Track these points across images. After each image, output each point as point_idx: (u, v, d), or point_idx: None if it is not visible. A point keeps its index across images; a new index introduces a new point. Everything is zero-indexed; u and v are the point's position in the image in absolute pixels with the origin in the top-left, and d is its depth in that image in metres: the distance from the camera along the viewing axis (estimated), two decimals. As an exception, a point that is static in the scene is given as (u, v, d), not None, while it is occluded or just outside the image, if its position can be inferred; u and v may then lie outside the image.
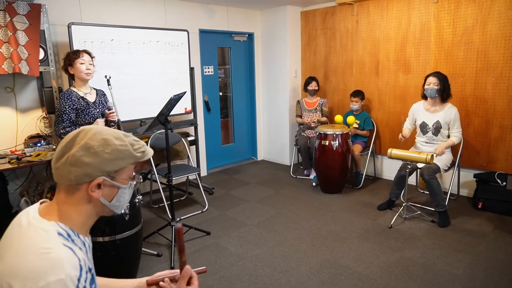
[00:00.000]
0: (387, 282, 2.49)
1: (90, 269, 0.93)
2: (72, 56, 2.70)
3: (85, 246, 0.99)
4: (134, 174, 1.06)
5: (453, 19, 3.82)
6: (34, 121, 3.42)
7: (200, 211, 3.79)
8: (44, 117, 3.43)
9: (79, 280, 0.86)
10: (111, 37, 3.55)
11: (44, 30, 3.20)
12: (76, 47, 3.26)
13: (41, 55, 3.19)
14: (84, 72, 2.71)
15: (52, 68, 3.28)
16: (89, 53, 2.78)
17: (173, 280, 1.16)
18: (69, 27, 3.26)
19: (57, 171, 0.95)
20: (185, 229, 3.22)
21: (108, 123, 2.90)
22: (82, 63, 2.70)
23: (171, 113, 3.05)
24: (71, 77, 2.79)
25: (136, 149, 1.01)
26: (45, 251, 0.85)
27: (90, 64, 2.75)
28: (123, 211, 2.36)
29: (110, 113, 2.87)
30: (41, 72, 3.27)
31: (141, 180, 1.08)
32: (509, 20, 3.47)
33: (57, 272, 0.82)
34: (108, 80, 3.01)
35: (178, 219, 3.19)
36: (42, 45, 3.20)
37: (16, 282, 0.81)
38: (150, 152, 1.06)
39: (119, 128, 2.82)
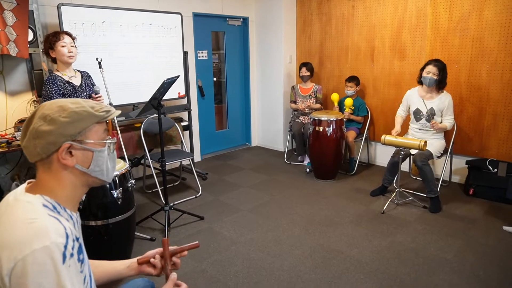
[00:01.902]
0: (378, 266, 2.52)
1: (77, 238, 0.94)
2: (52, 38, 2.59)
3: (72, 219, 0.99)
4: (108, 138, 1.04)
5: (450, 5, 3.79)
6: (24, 105, 3.36)
7: (194, 196, 3.79)
8: (34, 100, 3.36)
9: (65, 247, 0.87)
10: (102, 19, 3.47)
11: (32, 11, 3.11)
12: (66, 28, 3.18)
13: (30, 36, 3.11)
14: (67, 56, 2.61)
15: (42, 50, 3.20)
16: (69, 34, 2.68)
17: (163, 256, 1.19)
18: (58, 7, 3.17)
19: (26, 149, 0.95)
20: (178, 214, 3.22)
21: None
22: (63, 46, 2.60)
23: (164, 98, 3.00)
24: (53, 61, 2.70)
25: (98, 110, 1.00)
26: (30, 221, 0.86)
27: (72, 46, 2.65)
28: (115, 195, 2.35)
29: (96, 97, 2.76)
30: (30, 54, 3.19)
31: (115, 140, 1.07)
32: (505, 6, 3.45)
33: (42, 239, 0.83)
34: (99, 63, 2.96)
35: (171, 204, 3.18)
36: (31, 26, 3.11)
37: (4, 253, 0.83)
38: (116, 112, 1.05)
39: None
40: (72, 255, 0.88)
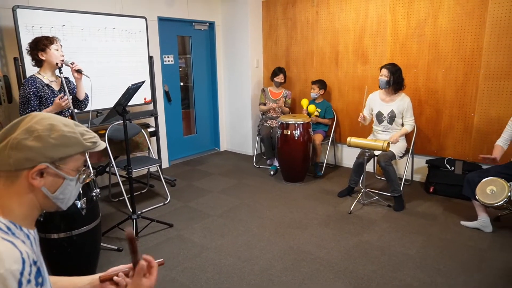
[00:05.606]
0: (346, 265, 2.59)
1: (35, 262, 0.87)
2: (46, 41, 2.58)
3: (29, 238, 0.93)
4: (83, 168, 1.00)
5: (407, 12, 3.98)
6: (-23, 113, 3.16)
7: (162, 204, 3.72)
8: (-12, 108, 3.18)
9: (21, 274, 0.81)
10: (62, 23, 3.34)
11: (-15, 13, 2.95)
12: (23, 32, 3.04)
13: (-17, 40, 2.94)
14: (60, 59, 2.62)
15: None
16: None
17: (127, 274, 1.13)
18: (14, 10, 3.02)
19: None
20: (146, 222, 3.15)
21: (76, 102, 2.81)
22: (57, 50, 2.61)
23: (129, 103, 2.94)
24: (37, 64, 2.65)
25: (86, 139, 0.95)
26: None
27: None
28: (79, 205, 2.27)
29: (72, 66, 2.70)
30: (-17, 59, 3.02)
31: (92, 175, 1.02)
32: (457, 14, 3.67)
33: None
34: (59, 68, 2.84)
35: (139, 212, 3.10)
36: (-16, 30, 2.95)
37: None
38: (102, 144, 1.01)
39: (73, 119, 2.68)
40: (29, 281, 0.82)
